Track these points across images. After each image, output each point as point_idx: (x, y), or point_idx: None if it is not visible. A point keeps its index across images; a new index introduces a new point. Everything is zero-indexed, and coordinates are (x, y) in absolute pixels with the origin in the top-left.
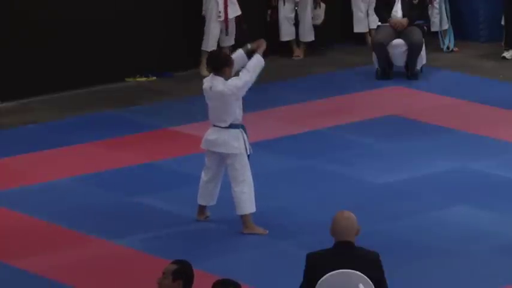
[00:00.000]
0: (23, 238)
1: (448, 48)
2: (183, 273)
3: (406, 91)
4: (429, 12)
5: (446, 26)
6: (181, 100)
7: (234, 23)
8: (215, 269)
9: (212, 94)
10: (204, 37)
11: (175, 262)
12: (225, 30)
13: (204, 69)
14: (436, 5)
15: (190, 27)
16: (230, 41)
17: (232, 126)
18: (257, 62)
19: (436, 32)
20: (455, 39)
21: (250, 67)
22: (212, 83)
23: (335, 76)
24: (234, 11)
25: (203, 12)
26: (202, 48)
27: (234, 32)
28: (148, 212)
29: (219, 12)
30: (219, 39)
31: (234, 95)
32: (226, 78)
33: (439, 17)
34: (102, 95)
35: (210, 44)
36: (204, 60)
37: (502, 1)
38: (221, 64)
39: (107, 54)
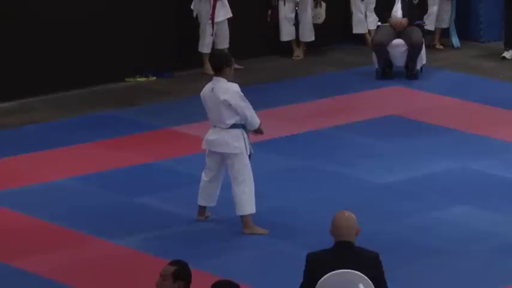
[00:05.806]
0: (23, 238)
1: (452, 45)
2: (183, 273)
3: (406, 91)
4: (437, 8)
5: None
6: (180, 100)
7: (226, 25)
8: (215, 269)
9: (213, 96)
10: (200, 39)
11: (173, 263)
12: (212, 32)
13: (209, 68)
14: (450, 3)
15: (190, 27)
16: (224, 43)
17: (233, 126)
18: (255, 119)
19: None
20: None
21: (252, 113)
22: (214, 84)
23: (335, 76)
24: (225, 13)
25: (194, 15)
26: (199, 50)
27: (227, 35)
28: (148, 212)
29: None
30: (213, 41)
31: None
32: (227, 78)
33: (448, 15)
34: (102, 95)
35: (205, 45)
36: (206, 60)
37: (502, 1)
38: (221, 64)
39: (107, 54)
